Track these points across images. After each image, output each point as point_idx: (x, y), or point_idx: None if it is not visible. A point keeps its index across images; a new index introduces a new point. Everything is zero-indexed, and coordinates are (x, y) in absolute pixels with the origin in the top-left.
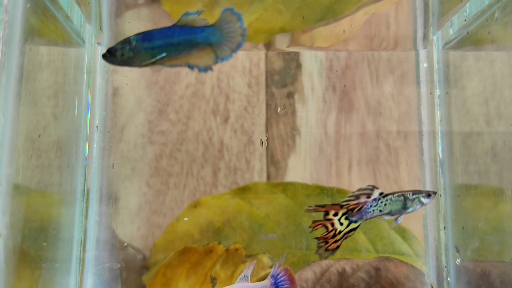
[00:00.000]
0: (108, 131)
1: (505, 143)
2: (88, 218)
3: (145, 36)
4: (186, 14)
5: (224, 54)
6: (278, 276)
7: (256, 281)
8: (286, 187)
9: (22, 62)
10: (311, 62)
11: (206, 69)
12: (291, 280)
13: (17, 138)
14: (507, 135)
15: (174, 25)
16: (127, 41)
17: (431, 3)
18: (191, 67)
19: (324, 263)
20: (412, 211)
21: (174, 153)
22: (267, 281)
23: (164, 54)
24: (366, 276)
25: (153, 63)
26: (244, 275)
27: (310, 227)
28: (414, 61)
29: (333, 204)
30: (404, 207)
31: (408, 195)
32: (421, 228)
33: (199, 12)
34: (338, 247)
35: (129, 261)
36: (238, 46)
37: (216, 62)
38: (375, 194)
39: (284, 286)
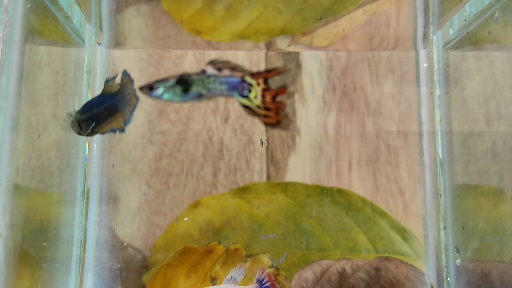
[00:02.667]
0: None
1: (505, 143)
2: (88, 218)
3: (82, 109)
4: (107, 81)
5: (126, 117)
6: (264, 282)
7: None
8: (286, 187)
9: (22, 62)
10: (311, 62)
11: (122, 130)
12: (274, 286)
13: (17, 138)
14: (507, 135)
15: (100, 94)
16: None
17: (431, 3)
18: (113, 131)
19: (324, 263)
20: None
21: (174, 153)
22: (253, 286)
23: (94, 124)
24: (366, 276)
25: (93, 132)
26: (231, 277)
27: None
28: (414, 61)
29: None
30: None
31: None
32: (421, 228)
33: (114, 78)
34: (273, 113)
35: (129, 261)
36: (134, 108)
37: (125, 125)
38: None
39: None
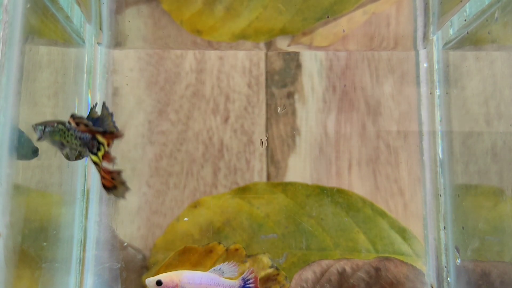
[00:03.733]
0: None
1: (505, 143)
2: (88, 218)
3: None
4: (92, 108)
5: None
6: (249, 282)
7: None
8: (286, 187)
9: (22, 62)
10: (311, 62)
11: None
12: None
13: (17, 138)
14: (507, 135)
15: (87, 117)
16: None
17: (431, 3)
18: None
19: (324, 263)
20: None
21: (174, 153)
22: (237, 282)
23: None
24: (366, 276)
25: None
26: (220, 269)
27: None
28: (414, 61)
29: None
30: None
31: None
32: (421, 228)
33: (96, 105)
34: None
35: (129, 261)
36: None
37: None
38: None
39: None
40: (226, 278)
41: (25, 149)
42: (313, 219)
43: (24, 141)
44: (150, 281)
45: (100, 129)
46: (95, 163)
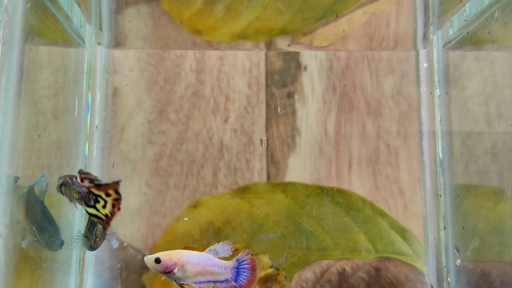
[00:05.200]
0: (108, 131)
1: (505, 143)
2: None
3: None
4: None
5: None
6: (243, 263)
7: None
8: (286, 187)
9: (22, 62)
10: (311, 62)
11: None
12: (253, 270)
13: (17, 138)
14: (507, 135)
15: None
16: None
17: (431, 3)
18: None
19: (324, 263)
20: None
21: (174, 153)
22: (231, 263)
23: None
24: (366, 276)
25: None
26: (215, 249)
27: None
28: (414, 61)
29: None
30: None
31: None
32: (421, 228)
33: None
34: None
35: (129, 261)
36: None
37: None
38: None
39: (244, 273)
40: (220, 258)
41: (53, 241)
42: (313, 219)
43: (55, 234)
44: (149, 258)
45: (102, 182)
46: (92, 215)
